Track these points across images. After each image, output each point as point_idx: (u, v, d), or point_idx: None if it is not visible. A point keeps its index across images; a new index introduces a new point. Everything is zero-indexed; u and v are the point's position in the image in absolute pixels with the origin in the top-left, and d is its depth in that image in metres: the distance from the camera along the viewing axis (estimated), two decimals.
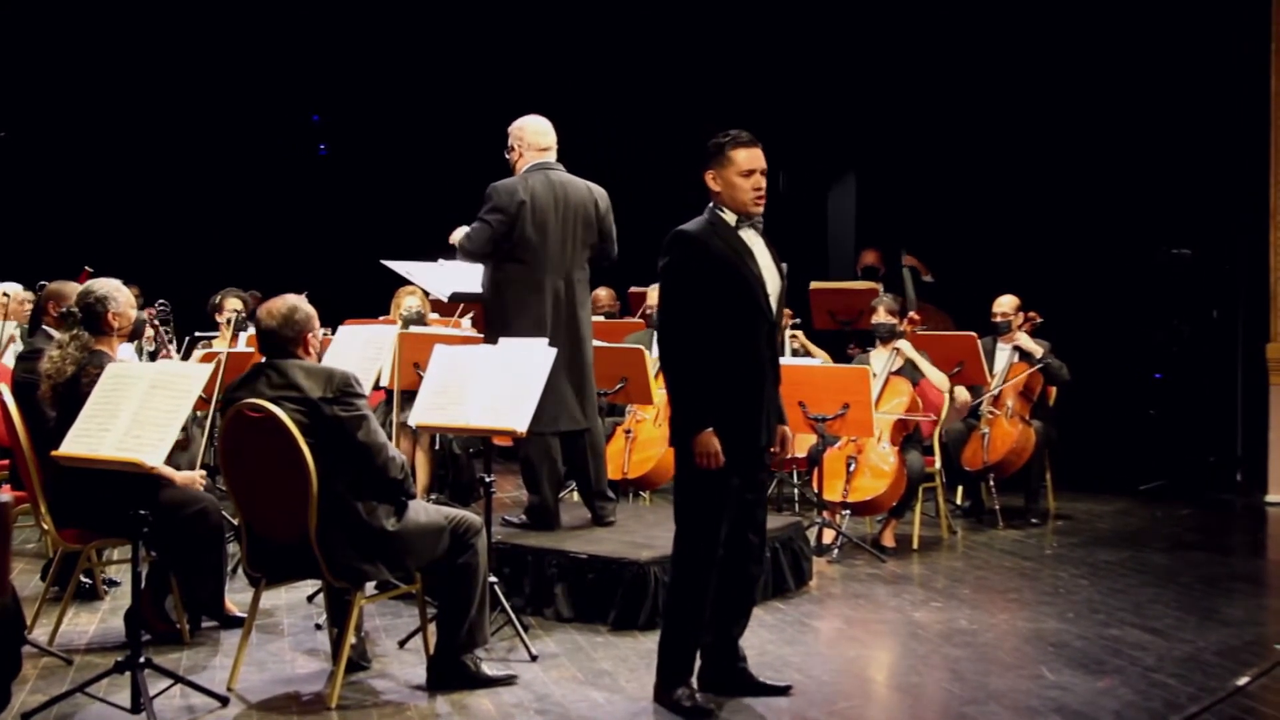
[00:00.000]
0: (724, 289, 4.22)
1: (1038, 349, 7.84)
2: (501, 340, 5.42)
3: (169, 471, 4.85)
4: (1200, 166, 9.75)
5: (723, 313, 4.21)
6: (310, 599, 5.69)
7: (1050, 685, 4.61)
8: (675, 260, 4.25)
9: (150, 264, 10.39)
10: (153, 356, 8.26)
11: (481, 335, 6.89)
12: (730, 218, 4.30)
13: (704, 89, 10.84)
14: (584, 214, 5.84)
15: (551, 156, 5.87)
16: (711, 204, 4.34)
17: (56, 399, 4.81)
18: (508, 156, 5.91)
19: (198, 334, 8.74)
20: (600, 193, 5.93)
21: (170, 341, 8.65)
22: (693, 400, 4.19)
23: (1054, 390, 8.08)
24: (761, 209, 4.31)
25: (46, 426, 4.82)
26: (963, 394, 7.70)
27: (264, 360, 4.42)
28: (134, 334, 5.24)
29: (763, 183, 4.30)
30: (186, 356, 7.90)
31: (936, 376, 7.24)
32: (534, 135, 5.84)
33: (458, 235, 5.82)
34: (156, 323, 8.23)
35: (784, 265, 4.44)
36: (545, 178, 5.78)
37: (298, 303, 4.47)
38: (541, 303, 5.72)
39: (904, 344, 7.25)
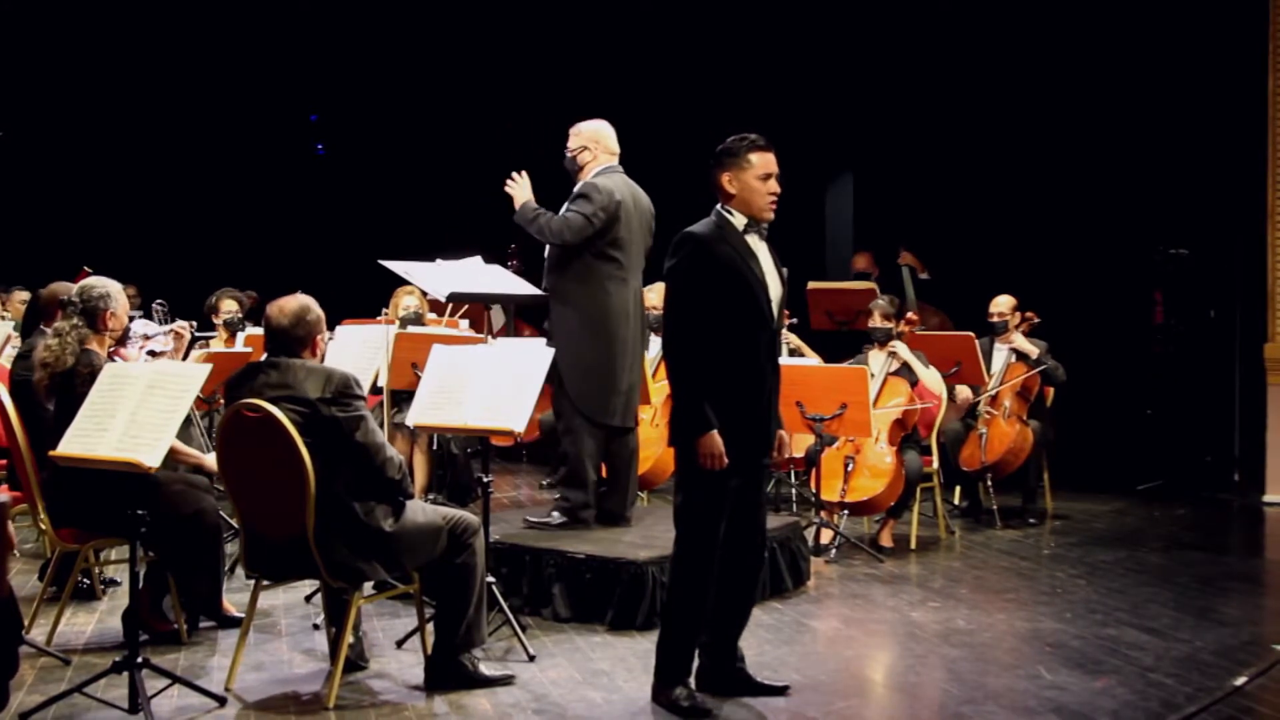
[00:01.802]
0: (729, 292, 4.22)
1: (1033, 349, 7.84)
2: (500, 341, 5.45)
3: (196, 455, 5.02)
4: (1197, 166, 9.76)
5: (727, 315, 4.22)
6: (308, 599, 5.69)
7: (1047, 685, 4.61)
8: (683, 262, 4.25)
9: (148, 264, 10.39)
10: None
11: (480, 336, 6.90)
12: (739, 221, 4.30)
13: (701, 90, 10.85)
14: (648, 218, 6.04)
15: (617, 161, 5.99)
16: (719, 205, 4.34)
17: (53, 389, 4.80)
18: (574, 155, 5.94)
19: (195, 334, 8.72)
20: (648, 198, 6.10)
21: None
22: (698, 402, 4.19)
23: (1051, 390, 8.08)
24: (773, 215, 4.32)
25: (43, 425, 4.82)
26: (964, 390, 7.70)
27: (264, 358, 4.42)
28: (121, 339, 5.23)
29: (778, 189, 4.31)
30: (184, 356, 7.88)
31: (932, 378, 7.23)
32: (609, 140, 5.98)
33: (528, 197, 5.88)
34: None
35: (785, 270, 4.45)
36: (624, 180, 5.93)
37: (310, 303, 4.46)
38: (629, 300, 5.89)
39: (899, 346, 7.24)
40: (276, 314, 4.40)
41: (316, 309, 4.45)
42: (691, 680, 4.34)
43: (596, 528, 5.94)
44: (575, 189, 5.90)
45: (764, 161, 4.29)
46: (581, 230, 5.74)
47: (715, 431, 4.15)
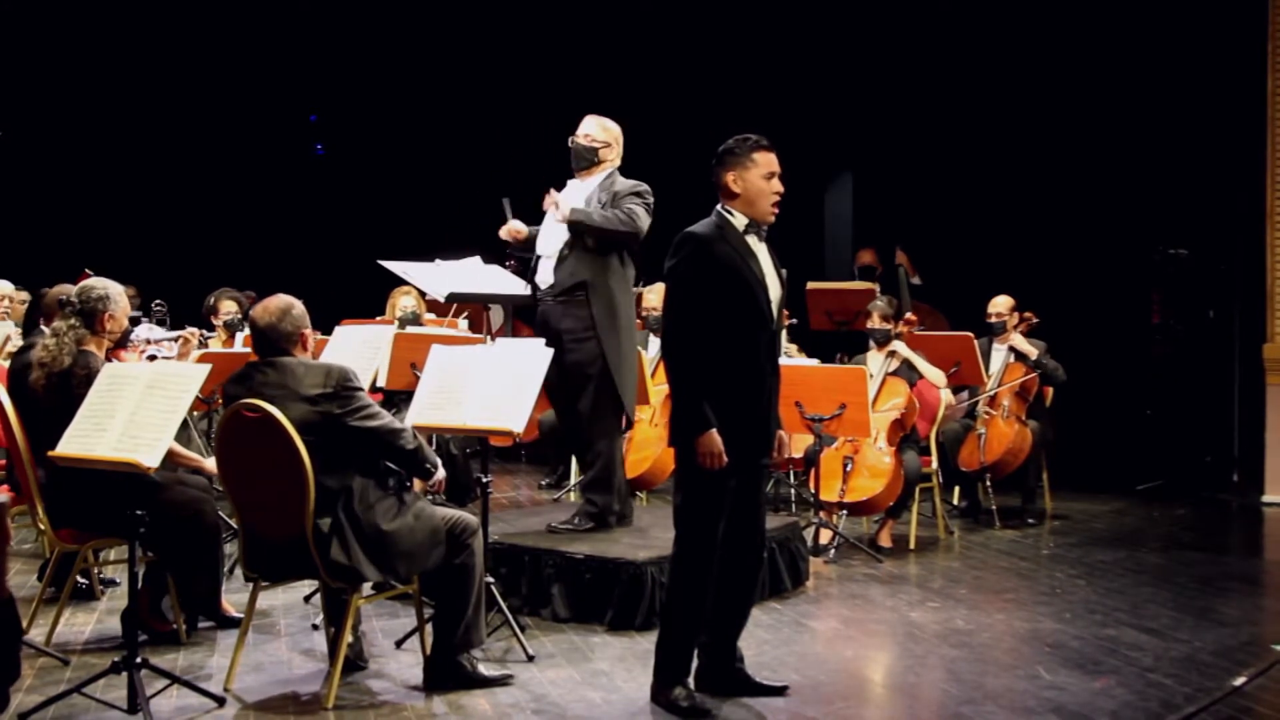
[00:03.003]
0: (729, 292, 4.23)
1: (1032, 350, 7.84)
2: (500, 341, 5.45)
3: (195, 458, 5.05)
4: (1197, 166, 9.76)
5: (727, 316, 4.22)
6: (307, 599, 5.69)
7: (1047, 685, 4.61)
8: (683, 262, 4.26)
9: (147, 264, 10.38)
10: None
11: (479, 336, 6.89)
12: (739, 221, 4.31)
13: (702, 90, 10.85)
14: None
15: None
16: (720, 206, 4.35)
17: (49, 389, 4.80)
18: (597, 147, 5.87)
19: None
20: None
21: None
22: (697, 401, 4.19)
23: (1050, 390, 8.08)
24: (774, 217, 4.33)
25: (41, 425, 4.81)
26: (948, 396, 7.64)
27: (259, 358, 4.43)
28: (120, 342, 5.22)
29: (781, 188, 4.31)
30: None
31: (933, 373, 7.23)
32: (622, 141, 5.98)
33: (567, 200, 5.77)
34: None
35: (784, 272, 4.45)
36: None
37: (293, 301, 4.49)
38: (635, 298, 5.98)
39: (900, 345, 7.25)
40: (261, 314, 4.42)
41: (300, 305, 4.48)
42: (690, 680, 4.34)
43: (603, 530, 5.89)
44: (615, 184, 5.79)
45: (768, 161, 4.31)
46: (647, 220, 5.77)
47: (714, 431, 4.15)
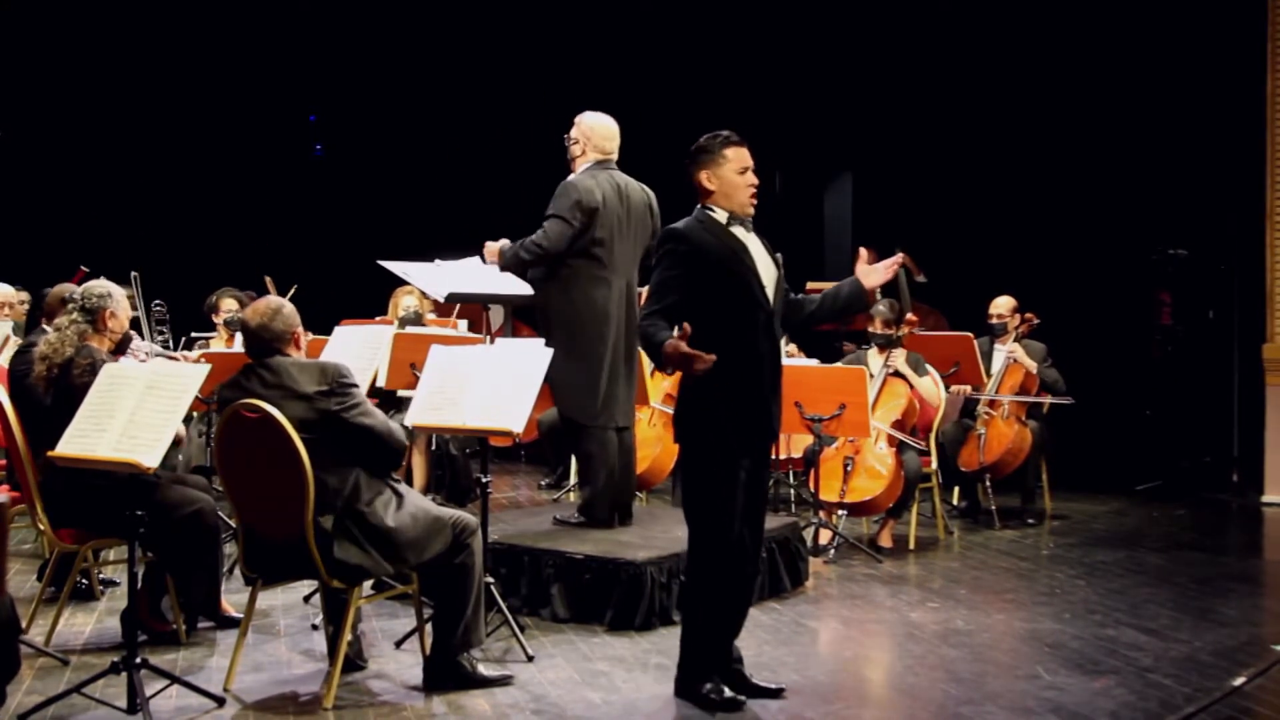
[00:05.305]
0: (718, 284, 4.23)
1: (1031, 365, 7.80)
2: (500, 341, 5.46)
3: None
4: (1196, 167, 9.77)
5: (717, 307, 4.21)
6: (307, 599, 5.69)
7: (1046, 685, 4.61)
8: (668, 255, 4.26)
9: (147, 264, 10.37)
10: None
11: (479, 336, 6.89)
12: (721, 216, 4.31)
13: (701, 90, 10.84)
14: (642, 216, 5.98)
15: (613, 159, 5.99)
16: (700, 204, 4.36)
17: (50, 381, 4.81)
18: (569, 145, 5.96)
19: (194, 334, 8.74)
20: (652, 194, 6.06)
21: (167, 344, 8.62)
22: (648, 338, 4.09)
23: (1049, 394, 8.06)
24: (753, 209, 4.35)
25: (42, 423, 4.81)
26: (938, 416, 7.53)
27: (253, 360, 4.43)
28: (119, 348, 5.22)
29: (756, 181, 4.34)
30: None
31: (927, 386, 7.19)
32: (602, 138, 5.95)
33: (502, 245, 5.84)
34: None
35: (779, 255, 4.45)
36: (611, 178, 5.90)
37: (282, 302, 4.54)
38: (610, 301, 5.85)
39: (900, 361, 7.15)
40: (252, 315, 4.46)
41: (290, 306, 4.51)
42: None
43: (598, 528, 5.92)
44: (559, 190, 5.87)
45: (739, 155, 4.33)
46: (561, 233, 5.72)
47: (672, 340, 4.00)
